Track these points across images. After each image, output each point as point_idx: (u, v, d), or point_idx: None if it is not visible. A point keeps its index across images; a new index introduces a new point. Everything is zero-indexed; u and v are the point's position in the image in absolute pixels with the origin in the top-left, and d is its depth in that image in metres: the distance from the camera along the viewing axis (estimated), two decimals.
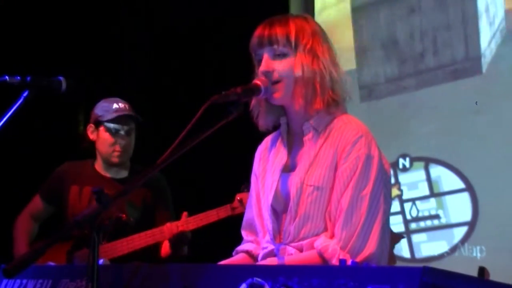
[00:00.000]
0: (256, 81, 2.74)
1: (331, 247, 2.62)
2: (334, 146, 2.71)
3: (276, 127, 2.90)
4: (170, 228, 4.26)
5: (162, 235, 4.28)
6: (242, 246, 2.94)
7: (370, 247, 2.61)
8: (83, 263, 2.79)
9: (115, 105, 4.47)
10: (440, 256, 5.26)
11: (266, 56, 2.74)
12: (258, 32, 2.77)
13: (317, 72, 2.73)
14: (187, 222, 4.26)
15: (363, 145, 2.67)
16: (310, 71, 2.72)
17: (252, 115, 2.85)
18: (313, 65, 2.73)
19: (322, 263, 2.62)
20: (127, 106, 4.50)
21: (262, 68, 2.74)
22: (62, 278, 2.65)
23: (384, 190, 2.67)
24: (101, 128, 4.46)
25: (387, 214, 2.71)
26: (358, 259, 2.59)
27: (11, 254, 4.44)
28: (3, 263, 2.41)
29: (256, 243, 2.91)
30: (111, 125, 4.43)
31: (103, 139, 4.46)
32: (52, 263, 3.76)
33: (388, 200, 2.71)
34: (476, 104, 4.96)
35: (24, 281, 2.73)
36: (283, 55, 2.74)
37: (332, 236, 2.67)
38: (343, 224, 2.63)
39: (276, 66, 2.74)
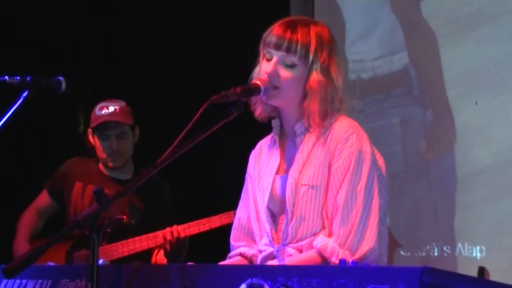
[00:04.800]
0: (256, 81, 2.74)
1: (330, 245, 2.64)
2: (326, 144, 2.73)
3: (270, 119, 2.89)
4: (171, 231, 4.23)
5: (162, 238, 4.25)
6: (235, 250, 2.93)
7: (369, 242, 2.63)
8: (83, 263, 2.79)
9: (104, 111, 4.44)
10: (440, 256, 5.24)
11: (276, 60, 2.75)
12: (278, 31, 2.75)
13: (328, 92, 2.75)
14: (189, 227, 4.24)
15: (355, 141, 2.71)
16: (324, 91, 2.74)
17: (249, 105, 2.83)
18: (326, 86, 2.75)
19: (322, 262, 2.63)
20: (117, 109, 4.45)
21: (269, 70, 2.74)
22: (62, 278, 2.66)
23: (378, 184, 2.69)
24: (95, 135, 4.49)
25: (383, 208, 2.72)
26: (358, 254, 2.61)
27: (11, 254, 4.43)
28: (3, 263, 2.41)
29: (248, 246, 2.91)
30: (100, 132, 4.45)
31: (97, 145, 4.48)
32: (51, 263, 3.76)
33: (383, 195, 2.73)
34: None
35: (24, 281, 2.73)
36: (293, 66, 2.74)
37: (330, 234, 2.68)
38: (341, 221, 2.65)
39: (282, 73, 2.74)
